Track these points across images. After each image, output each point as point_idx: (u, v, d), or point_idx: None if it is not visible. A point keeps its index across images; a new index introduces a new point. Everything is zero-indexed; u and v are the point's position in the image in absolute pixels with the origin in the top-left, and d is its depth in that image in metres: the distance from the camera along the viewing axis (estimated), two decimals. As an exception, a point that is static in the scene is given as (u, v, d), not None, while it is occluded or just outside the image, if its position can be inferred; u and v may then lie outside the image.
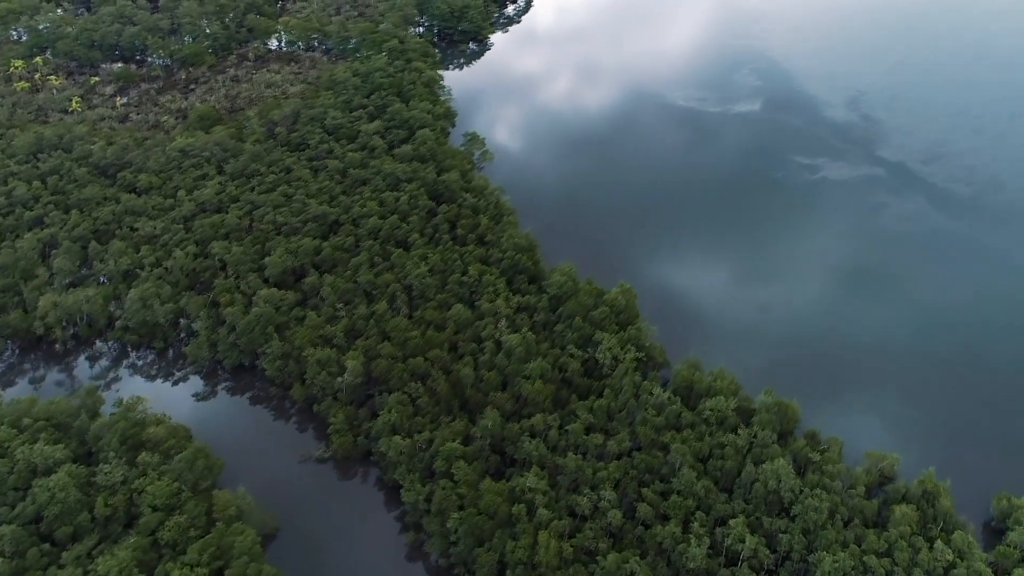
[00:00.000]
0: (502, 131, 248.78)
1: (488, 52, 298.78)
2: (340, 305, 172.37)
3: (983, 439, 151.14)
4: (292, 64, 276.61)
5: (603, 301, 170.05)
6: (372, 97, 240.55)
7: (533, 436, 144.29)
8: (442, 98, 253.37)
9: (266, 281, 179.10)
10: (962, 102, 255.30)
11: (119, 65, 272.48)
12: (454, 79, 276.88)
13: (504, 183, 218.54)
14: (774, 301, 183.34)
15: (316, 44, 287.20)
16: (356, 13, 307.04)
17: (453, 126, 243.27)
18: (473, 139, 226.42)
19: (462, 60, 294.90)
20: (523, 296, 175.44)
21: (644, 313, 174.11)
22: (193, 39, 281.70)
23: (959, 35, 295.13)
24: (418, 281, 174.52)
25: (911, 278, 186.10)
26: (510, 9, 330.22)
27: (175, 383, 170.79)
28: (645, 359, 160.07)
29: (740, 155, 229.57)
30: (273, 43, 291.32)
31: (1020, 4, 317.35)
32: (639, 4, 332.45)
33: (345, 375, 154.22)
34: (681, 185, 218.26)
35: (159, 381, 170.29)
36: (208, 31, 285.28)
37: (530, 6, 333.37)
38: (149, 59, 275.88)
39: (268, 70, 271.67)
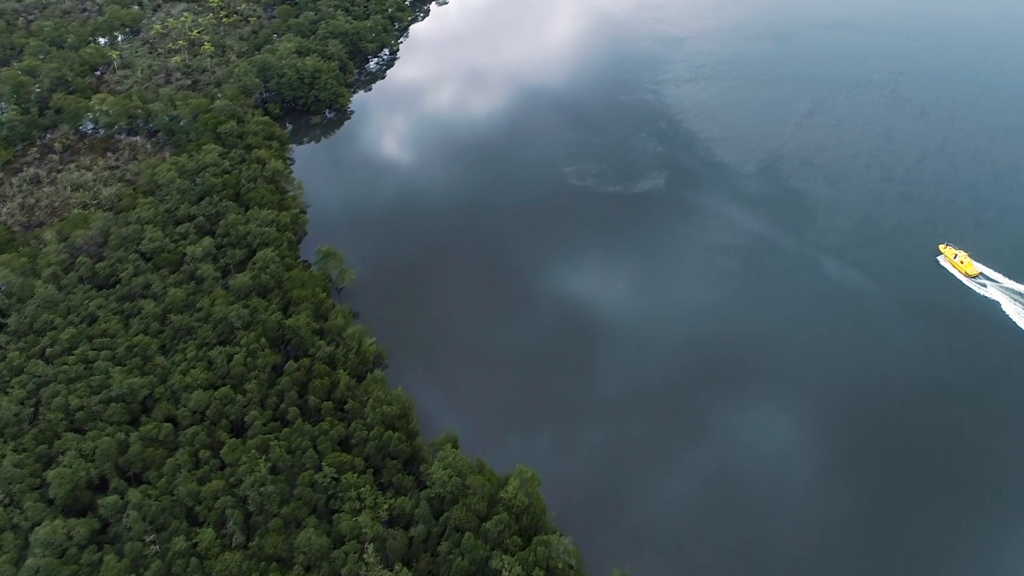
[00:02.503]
0: (365, 226, 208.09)
1: (348, 121, 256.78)
2: (151, 537, 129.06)
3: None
4: (108, 155, 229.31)
5: (500, 501, 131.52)
6: (203, 203, 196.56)
7: None
8: (291, 193, 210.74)
9: (51, 503, 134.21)
10: (885, 163, 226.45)
11: None
12: (307, 159, 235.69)
13: (368, 306, 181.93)
14: (711, 461, 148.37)
15: (140, 124, 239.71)
16: (189, 82, 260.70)
17: (305, 233, 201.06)
18: (329, 256, 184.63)
19: (318, 132, 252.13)
20: (396, 496, 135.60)
21: (550, 500, 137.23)
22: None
23: (868, 78, 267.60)
24: (256, 492, 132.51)
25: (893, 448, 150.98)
26: (372, 64, 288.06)
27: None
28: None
29: (653, 255, 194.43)
30: (88, 124, 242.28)
31: (927, 49, 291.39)
32: (514, 54, 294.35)
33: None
34: (585, 301, 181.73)
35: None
36: (2, 118, 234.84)
37: (395, 59, 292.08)
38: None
39: (78, 165, 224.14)
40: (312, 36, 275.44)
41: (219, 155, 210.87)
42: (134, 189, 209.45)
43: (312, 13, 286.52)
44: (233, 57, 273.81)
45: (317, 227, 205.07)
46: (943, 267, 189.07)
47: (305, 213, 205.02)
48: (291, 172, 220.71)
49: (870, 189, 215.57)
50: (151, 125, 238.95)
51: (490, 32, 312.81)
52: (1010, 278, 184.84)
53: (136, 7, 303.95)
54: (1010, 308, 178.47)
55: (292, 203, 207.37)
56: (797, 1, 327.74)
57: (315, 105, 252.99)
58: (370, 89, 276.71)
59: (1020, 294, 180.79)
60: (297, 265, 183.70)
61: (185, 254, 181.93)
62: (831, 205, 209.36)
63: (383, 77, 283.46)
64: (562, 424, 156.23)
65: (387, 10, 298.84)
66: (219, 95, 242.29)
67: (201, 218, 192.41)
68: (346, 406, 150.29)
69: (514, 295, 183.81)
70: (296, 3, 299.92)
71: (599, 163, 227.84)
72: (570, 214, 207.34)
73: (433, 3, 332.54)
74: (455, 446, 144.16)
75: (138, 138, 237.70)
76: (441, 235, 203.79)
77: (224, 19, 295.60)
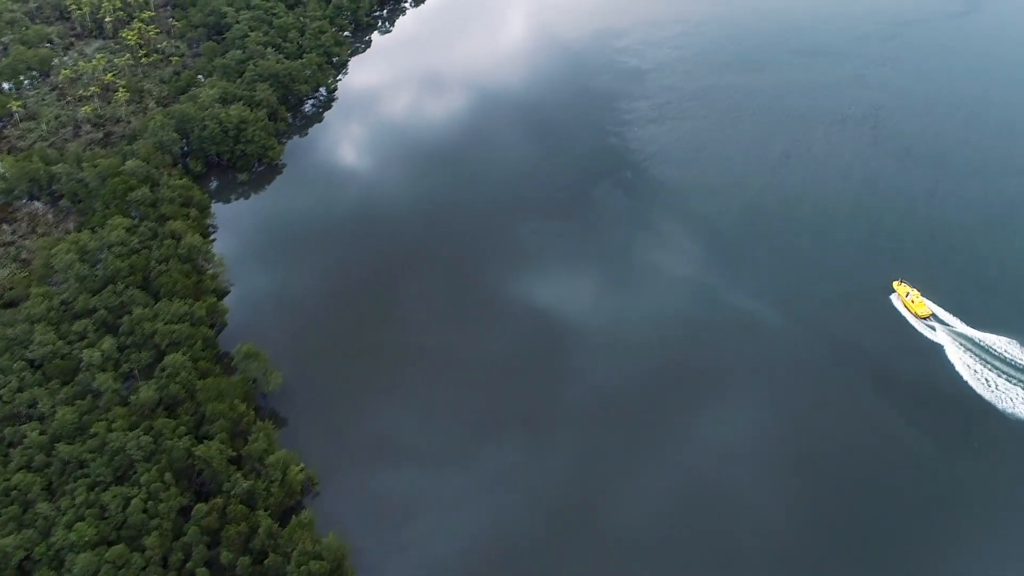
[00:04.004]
0: (296, 305, 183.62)
1: (279, 176, 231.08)
2: None
3: None
4: (3, 227, 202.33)
5: None
6: (105, 293, 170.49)
7: None
8: (210, 272, 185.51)
9: None
10: (873, 215, 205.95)
11: None
12: (232, 222, 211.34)
13: (299, 407, 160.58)
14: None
15: (43, 188, 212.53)
16: (100, 135, 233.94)
17: (225, 324, 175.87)
18: (251, 357, 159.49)
19: (246, 189, 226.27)
20: None
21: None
22: None
23: (845, 113, 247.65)
24: None
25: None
26: (308, 106, 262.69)
27: None
28: None
29: (626, 346, 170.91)
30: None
31: (904, 77, 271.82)
32: (464, 92, 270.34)
33: None
34: (551, 403, 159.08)
35: None
36: None
37: (333, 99, 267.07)
38: None
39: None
40: (239, 79, 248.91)
41: (127, 230, 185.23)
42: (28, 273, 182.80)
43: (240, 52, 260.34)
44: (151, 103, 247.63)
45: (241, 310, 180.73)
46: (894, 306, 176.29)
47: (224, 296, 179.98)
48: (212, 243, 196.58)
49: (859, 247, 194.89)
50: (54, 189, 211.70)
51: (438, 65, 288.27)
52: (965, 322, 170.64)
53: (46, 46, 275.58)
54: (954, 354, 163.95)
55: (211, 282, 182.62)
56: (763, 27, 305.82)
57: (241, 160, 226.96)
58: (305, 134, 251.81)
59: (970, 339, 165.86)
60: (214, 370, 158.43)
61: (81, 359, 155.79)
62: (818, 267, 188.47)
63: (320, 120, 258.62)
64: (524, 552, 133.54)
65: (323, 46, 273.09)
66: (132, 153, 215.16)
67: (102, 311, 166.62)
68: (266, 560, 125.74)
69: (466, 390, 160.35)
70: (223, 39, 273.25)
71: (558, 221, 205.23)
72: (525, 286, 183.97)
73: (375, 32, 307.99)
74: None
75: (39, 204, 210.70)
76: (384, 313, 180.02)
77: (143, 59, 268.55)
